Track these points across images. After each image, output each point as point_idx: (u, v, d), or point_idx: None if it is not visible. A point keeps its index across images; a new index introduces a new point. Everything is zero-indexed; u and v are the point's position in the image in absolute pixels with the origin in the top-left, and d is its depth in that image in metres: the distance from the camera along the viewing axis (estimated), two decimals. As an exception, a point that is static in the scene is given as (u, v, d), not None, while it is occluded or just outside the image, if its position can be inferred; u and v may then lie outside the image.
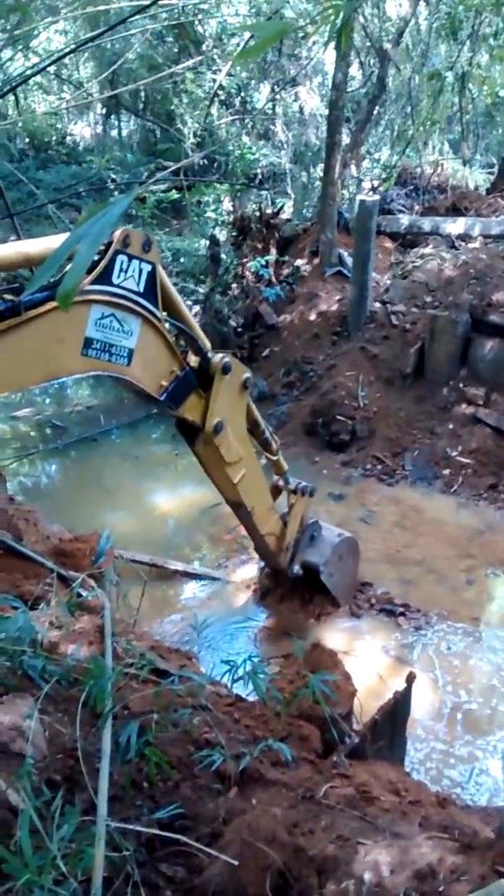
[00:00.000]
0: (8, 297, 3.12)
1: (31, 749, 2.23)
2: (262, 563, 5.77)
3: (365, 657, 5.22)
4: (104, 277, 3.42)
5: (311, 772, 2.83)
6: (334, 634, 5.45)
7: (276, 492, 5.25)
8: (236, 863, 1.96)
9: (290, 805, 2.47)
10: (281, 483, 5.31)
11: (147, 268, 3.57)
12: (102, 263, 3.39)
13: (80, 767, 2.24)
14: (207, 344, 4.24)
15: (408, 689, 3.55)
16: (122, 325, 3.53)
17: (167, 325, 3.85)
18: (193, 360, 4.28)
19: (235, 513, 4.91)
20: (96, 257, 3.38)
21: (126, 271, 3.49)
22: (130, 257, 3.49)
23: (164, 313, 3.80)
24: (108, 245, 3.41)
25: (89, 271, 3.37)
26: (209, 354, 4.24)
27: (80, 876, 1.72)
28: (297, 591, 5.70)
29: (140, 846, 2.09)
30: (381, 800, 2.71)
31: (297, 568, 5.42)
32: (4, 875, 1.73)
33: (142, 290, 3.58)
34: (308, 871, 2.12)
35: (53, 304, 3.17)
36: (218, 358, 4.26)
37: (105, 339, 3.49)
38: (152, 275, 3.60)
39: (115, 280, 3.46)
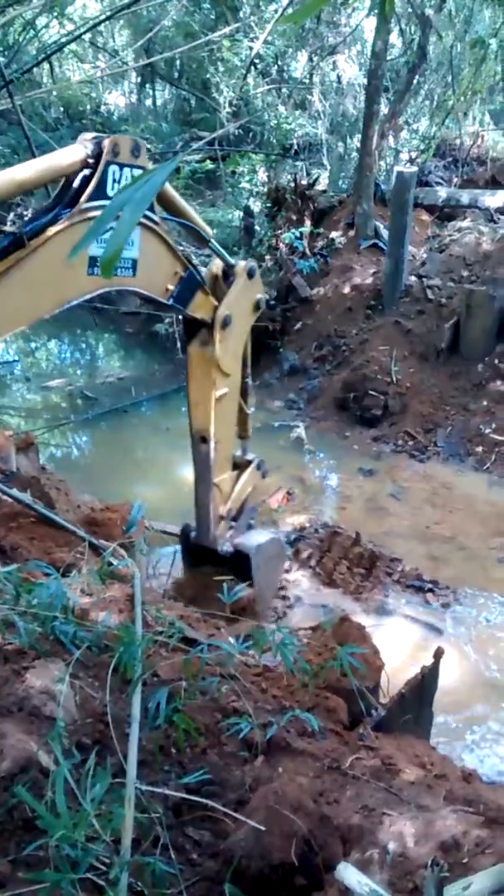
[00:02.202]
0: (8, 229, 3.14)
1: (62, 713, 2.27)
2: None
3: (393, 632, 5.22)
4: (99, 191, 3.40)
5: (337, 743, 2.85)
6: (362, 609, 5.45)
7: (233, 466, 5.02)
8: (263, 828, 1.98)
9: (316, 775, 2.49)
10: (238, 453, 5.05)
11: (139, 174, 3.55)
12: (96, 177, 3.37)
13: (110, 732, 2.28)
14: (209, 231, 4.29)
15: (435, 665, 3.55)
16: None
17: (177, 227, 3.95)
18: (217, 264, 4.41)
19: (195, 451, 4.74)
20: (87, 171, 3.38)
21: (119, 181, 3.47)
22: (122, 166, 3.46)
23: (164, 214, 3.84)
24: (98, 157, 3.38)
25: (83, 186, 3.37)
26: (233, 260, 4.42)
27: (109, 836, 1.75)
28: (214, 585, 5.25)
29: (168, 810, 2.12)
30: (407, 772, 2.72)
31: (227, 546, 4.97)
32: (37, 833, 1.77)
33: None
34: (333, 840, 2.14)
35: (54, 229, 3.22)
36: (245, 262, 4.43)
37: None
38: None
39: (109, 192, 3.44)
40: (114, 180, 3.45)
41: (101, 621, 2.90)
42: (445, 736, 4.45)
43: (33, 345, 13.33)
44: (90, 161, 3.38)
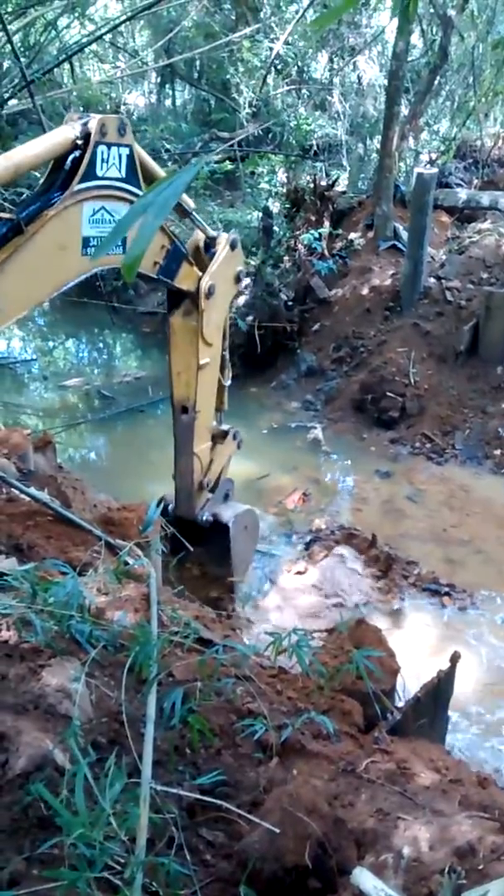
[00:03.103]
0: (4, 216, 3.17)
1: (77, 711, 2.27)
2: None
3: (409, 635, 5.20)
4: (89, 172, 3.43)
5: (352, 746, 2.84)
6: (378, 611, 5.43)
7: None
8: (277, 830, 1.97)
9: (331, 777, 2.48)
10: (214, 423, 5.06)
11: (125, 151, 3.59)
12: (86, 158, 3.39)
13: (125, 731, 2.28)
14: (191, 203, 4.36)
15: (451, 669, 3.53)
16: (112, 215, 3.59)
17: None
18: (199, 236, 4.47)
19: (176, 421, 4.77)
20: (77, 152, 3.40)
21: (107, 161, 3.51)
22: (109, 145, 3.49)
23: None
24: (87, 138, 3.40)
25: (74, 168, 3.39)
26: (213, 232, 4.51)
27: (124, 836, 1.75)
28: (193, 569, 5.24)
29: (182, 810, 2.12)
30: (422, 777, 2.70)
31: (207, 515, 5.03)
32: (51, 831, 1.77)
33: (124, 175, 3.60)
34: (347, 843, 2.12)
35: (50, 213, 3.26)
36: (227, 234, 4.53)
37: (100, 234, 3.53)
38: (131, 157, 3.63)
39: (99, 172, 3.48)
40: (102, 160, 3.48)
41: (116, 620, 2.90)
42: (474, 732, 4.46)
43: (51, 344, 13.40)
44: (79, 142, 3.41)
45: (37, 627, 2.49)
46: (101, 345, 13.32)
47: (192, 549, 4.84)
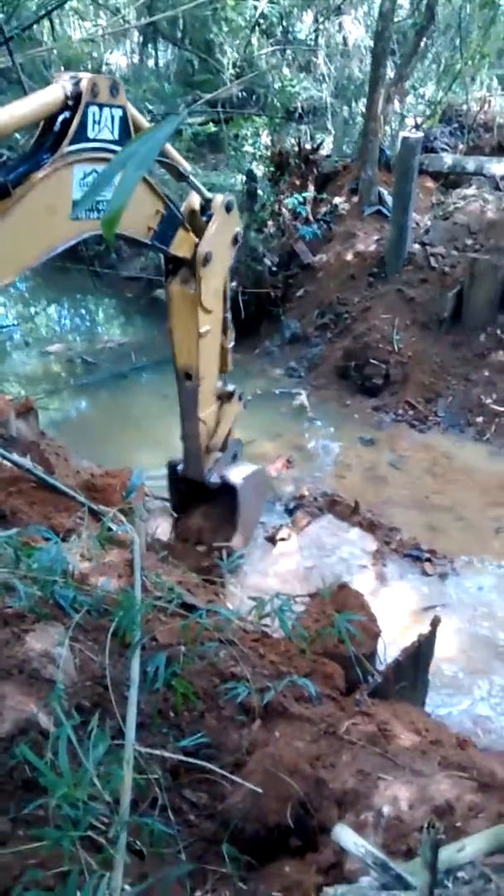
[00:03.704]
0: None
1: (61, 675, 2.28)
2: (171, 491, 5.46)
3: (390, 600, 5.25)
4: (80, 134, 3.35)
5: (333, 708, 2.88)
6: (360, 576, 5.48)
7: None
8: (260, 791, 2.00)
9: (313, 739, 2.52)
10: (219, 384, 5.10)
11: (118, 113, 3.50)
12: (76, 119, 3.30)
13: (109, 695, 2.29)
14: (187, 166, 4.27)
15: (432, 633, 3.58)
16: None
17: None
18: (194, 198, 4.38)
19: (180, 387, 4.80)
20: (67, 113, 3.31)
21: (99, 122, 3.42)
22: (101, 106, 3.40)
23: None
24: (77, 98, 3.31)
25: (64, 130, 3.30)
26: (209, 194, 4.40)
27: (108, 797, 1.77)
28: (199, 529, 5.41)
29: (166, 772, 2.15)
30: (402, 738, 2.75)
31: (215, 476, 5.14)
32: (36, 793, 1.79)
33: (117, 137, 3.52)
34: (328, 803, 2.17)
35: (38, 175, 3.18)
36: (222, 196, 4.42)
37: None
38: (124, 119, 3.54)
39: (90, 134, 3.39)
40: (94, 121, 3.39)
41: (100, 586, 2.91)
42: (453, 689, 4.58)
43: (33, 310, 13.23)
44: (69, 103, 3.31)
45: (20, 593, 2.49)
46: (83, 310, 13.17)
47: (176, 515, 4.87)
